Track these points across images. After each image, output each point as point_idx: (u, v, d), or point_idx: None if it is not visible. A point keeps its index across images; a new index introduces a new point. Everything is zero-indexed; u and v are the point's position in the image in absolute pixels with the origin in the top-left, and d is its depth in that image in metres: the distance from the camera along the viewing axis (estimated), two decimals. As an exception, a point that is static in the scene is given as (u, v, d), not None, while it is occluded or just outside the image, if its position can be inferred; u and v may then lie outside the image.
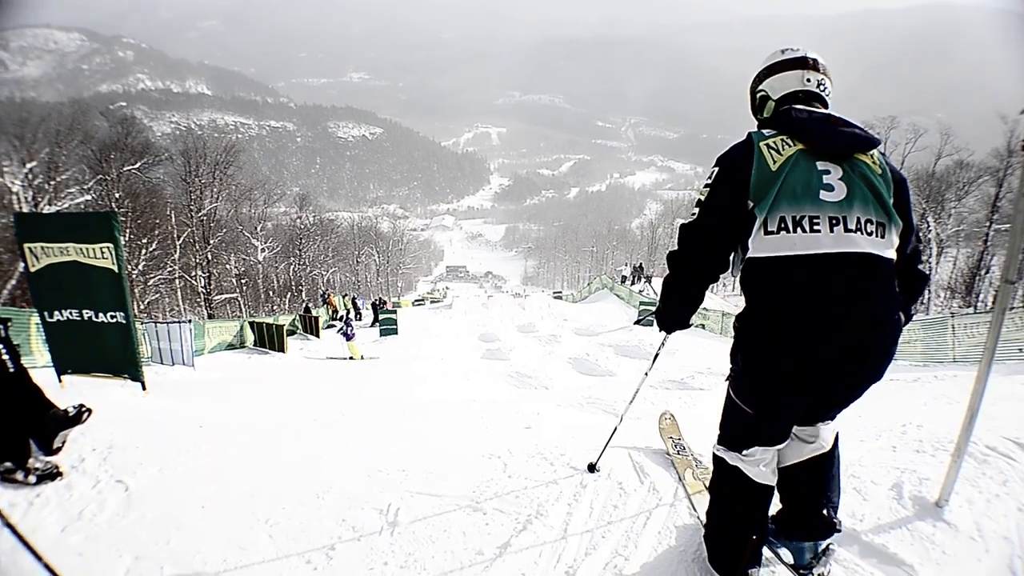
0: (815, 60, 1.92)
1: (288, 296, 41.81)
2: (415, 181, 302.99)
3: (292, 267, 43.72)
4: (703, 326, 20.86)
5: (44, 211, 23.93)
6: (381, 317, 23.35)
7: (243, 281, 37.22)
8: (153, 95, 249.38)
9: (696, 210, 1.87)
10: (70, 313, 5.43)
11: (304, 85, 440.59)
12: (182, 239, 30.91)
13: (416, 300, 54.68)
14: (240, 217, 38.02)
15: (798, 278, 1.66)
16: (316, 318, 23.00)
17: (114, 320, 5.43)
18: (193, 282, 31.89)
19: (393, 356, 16.10)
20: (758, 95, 2.01)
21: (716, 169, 1.84)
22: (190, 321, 12.52)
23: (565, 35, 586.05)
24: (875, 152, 1.80)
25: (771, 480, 1.98)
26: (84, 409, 3.28)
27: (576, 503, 2.72)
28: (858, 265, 1.65)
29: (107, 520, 2.76)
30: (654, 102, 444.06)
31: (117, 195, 27.20)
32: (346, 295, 36.79)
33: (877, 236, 1.69)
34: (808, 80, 1.90)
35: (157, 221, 29.79)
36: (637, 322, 22.21)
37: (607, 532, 2.51)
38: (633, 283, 35.57)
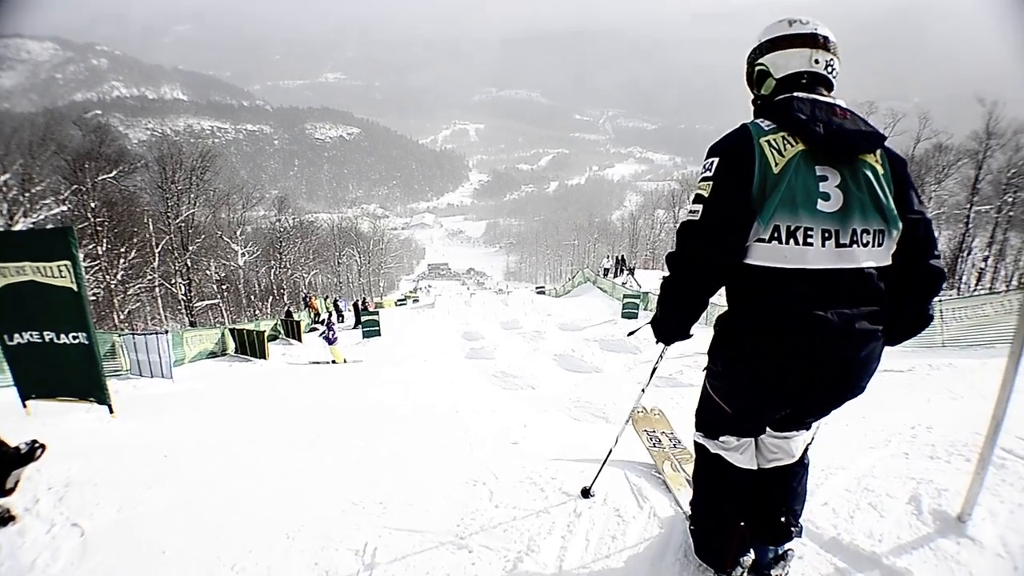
0: (825, 38, 1.69)
1: (270, 300, 41.33)
2: (394, 180, 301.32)
3: (273, 271, 43.21)
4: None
5: (19, 225, 23.39)
6: (363, 319, 23.12)
7: (224, 287, 36.72)
8: (128, 102, 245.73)
9: (698, 207, 1.65)
10: (30, 335, 5.09)
11: (280, 87, 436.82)
12: (160, 247, 30.37)
13: (399, 300, 54.28)
14: (219, 222, 37.51)
15: (787, 292, 1.57)
16: (298, 322, 22.66)
17: (76, 341, 5.11)
18: (173, 290, 31.38)
19: (376, 358, 15.91)
20: (757, 67, 1.78)
21: (716, 160, 1.65)
22: (167, 332, 12.18)
23: (540, 29, 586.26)
24: (878, 151, 1.66)
25: (752, 465, 1.96)
26: (37, 445, 3.04)
27: (570, 535, 2.48)
28: (849, 283, 1.58)
29: (61, 570, 2.52)
30: (630, 94, 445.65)
31: (93, 205, 26.65)
32: (327, 297, 36.47)
33: (875, 245, 1.61)
34: (816, 61, 1.68)
35: (135, 229, 29.28)
36: (622, 315, 22.21)
37: (606, 567, 2.26)
38: (616, 275, 35.57)
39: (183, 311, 31.72)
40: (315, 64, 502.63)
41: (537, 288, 47.15)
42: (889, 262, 1.64)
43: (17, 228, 22.83)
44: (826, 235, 1.56)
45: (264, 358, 16.12)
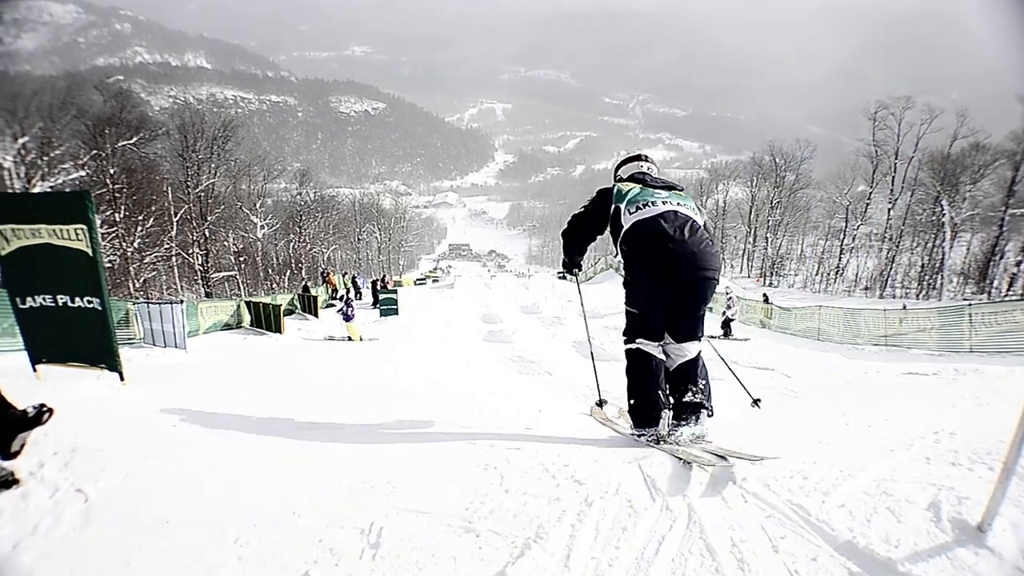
0: (647, 155, 3.70)
1: (287, 274, 41.72)
2: (418, 157, 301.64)
3: (292, 244, 43.59)
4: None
5: (36, 188, 23.70)
6: (382, 297, 23.40)
7: (241, 259, 37.10)
8: (151, 68, 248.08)
9: (587, 206, 3.53)
10: (43, 299, 5.18)
11: (305, 59, 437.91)
12: (179, 216, 30.72)
13: (418, 279, 54.59)
14: (239, 193, 37.83)
15: (652, 226, 3.11)
16: (315, 298, 22.87)
17: (90, 306, 5.19)
18: (190, 260, 31.74)
19: (393, 337, 16.01)
20: (616, 178, 3.65)
21: (596, 193, 3.51)
22: (182, 301, 12.32)
23: (572, 7, 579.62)
24: (683, 192, 3.41)
25: (662, 356, 3.32)
26: (45, 409, 3.04)
27: (580, 524, 2.44)
28: (681, 215, 3.15)
29: (63, 535, 2.53)
30: (662, 78, 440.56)
31: (112, 171, 26.96)
32: (346, 274, 36.67)
33: (694, 211, 3.26)
34: (642, 168, 3.67)
35: (154, 197, 29.60)
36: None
37: (615, 559, 2.23)
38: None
39: (199, 282, 32.13)
40: (342, 36, 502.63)
41: (559, 273, 46.95)
42: (701, 221, 3.28)
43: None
44: (663, 202, 3.21)
45: (280, 332, 16.30)
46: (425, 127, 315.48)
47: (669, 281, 3.10)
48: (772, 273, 46.40)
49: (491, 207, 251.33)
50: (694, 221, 3.20)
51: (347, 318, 16.04)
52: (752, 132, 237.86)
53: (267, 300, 19.11)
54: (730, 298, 18.60)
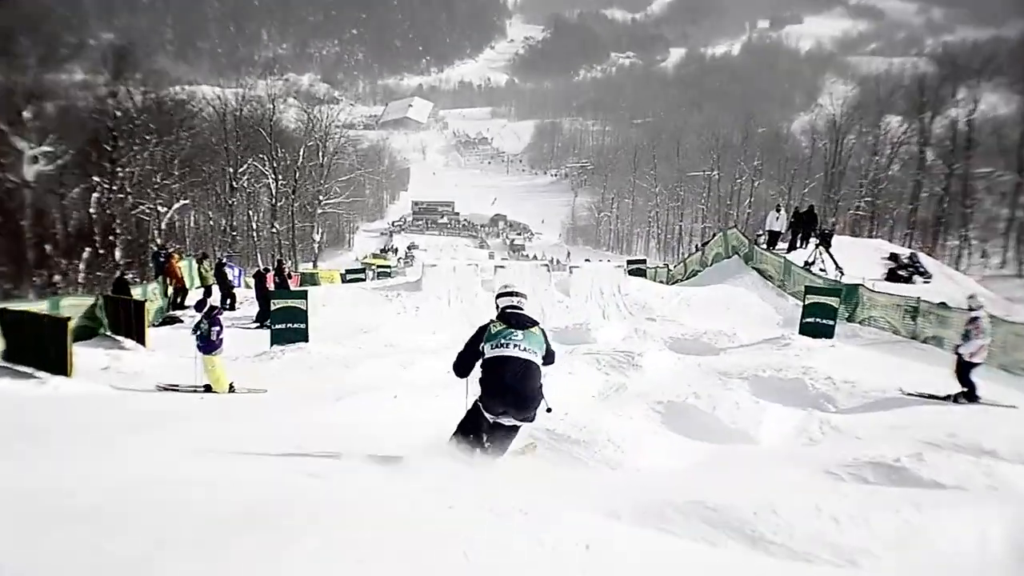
0: (521, 293, 9.81)
1: (85, 254, 41.23)
2: (353, 29, 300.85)
3: (98, 196, 43.08)
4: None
5: None
6: (276, 304, 23.04)
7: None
8: None
9: (467, 344, 9.34)
10: None
11: None
12: None
13: (351, 270, 54.13)
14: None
15: (497, 365, 8.81)
16: (141, 303, 22.30)
17: None
18: None
19: (295, 389, 16.27)
20: (496, 303, 9.91)
21: (477, 330, 9.37)
22: None
23: None
24: (535, 328, 9.27)
25: (491, 419, 9.11)
26: None
27: None
28: (523, 362, 8.87)
29: None
30: None
31: None
32: (204, 256, 35.91)
33: (532, 353, 8.97)
34: (512, 302, 9.65)
35: None
36: (802, 329, 21.78)
37: None
38: (794, 246, 34.85)
39: None
40: None
41: (631, 263, 45.93)
42: (540, 362, 9.11)
43: None
44: (515, 346, 8.95)
45: (65, 373, 15.86)
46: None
47: (494, 406, 8.56)
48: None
49: (496, 128, 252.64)
50: (530, 366, 8.60)
51: (207, 346, 16.01)
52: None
53: (38, 307, 18.55)
54: (976, 320, 16.93)
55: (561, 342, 21.80)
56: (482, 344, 9.19)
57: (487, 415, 8.91)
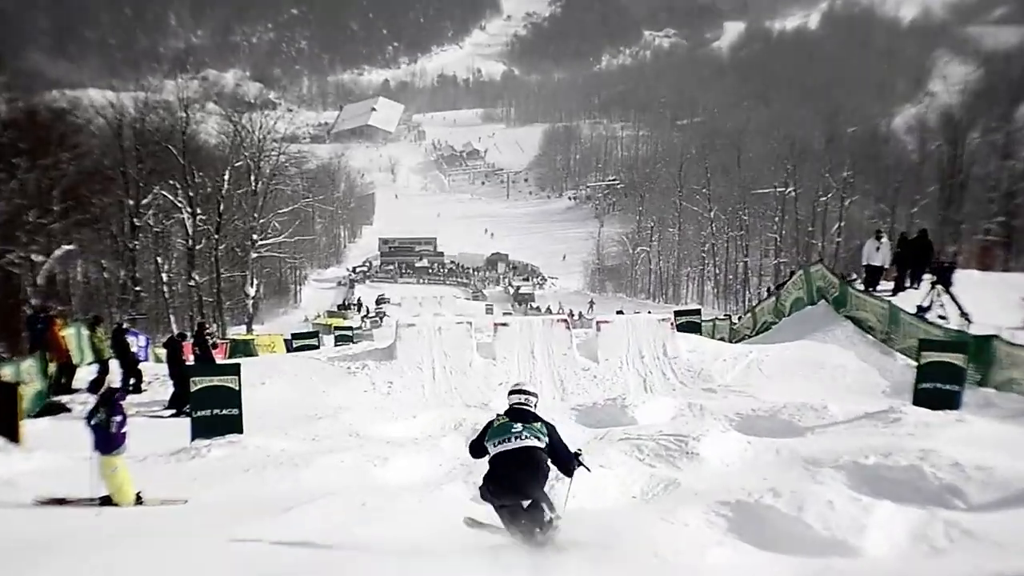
0: (530, 391, 13.67)
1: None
2: (293, 8, 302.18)
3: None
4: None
5: None
6: (198, 383, 22.99)
7: None
8: None
9: (476, 438, 13.56)
10: None
11: None
12: None
13: (299, 335, 54.05)
14: None
15: (500, 460, 12.58)
16: (12, 386, 22.32)
17: None
18: None
19: (226, 499, 16.20)
20: (508, 401, 13.82)
21: (484, 425, 13.59)
22: None
23: None
24: (537, 423, 12.87)
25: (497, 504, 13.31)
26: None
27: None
28: (520, 450, 12.55)
29: None
30: None
31: None
32: (96, 320, 35.94)
33: (533, 439, 12.58)
34: (520, 400, 13.42)
35: None
36: (917, 398, 21.73)
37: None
38: (902, 287, 34.91)
39: None
40: None
41: (680, 315, 45.51)
42: (544, 447, 12.72)
43: None
44: (515, 439, 12.66)
45: None
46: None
47: (489, 497, 12.23)
48: None
49: (491, 138, 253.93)
50: (529, 450, 11.96)
51: (105, 442, 15.75)
52: None
53: None
54: None
55: (589, 424, 21.95)
56: (486, 440, 12.76)
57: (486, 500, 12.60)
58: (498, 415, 13.45)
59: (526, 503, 12.45)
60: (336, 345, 44.48)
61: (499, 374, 29.35)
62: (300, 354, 41.99)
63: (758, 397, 24.85)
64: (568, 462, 13.24)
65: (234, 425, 22.54)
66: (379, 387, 29.40)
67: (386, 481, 17.35)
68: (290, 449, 20.83)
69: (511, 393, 13.64)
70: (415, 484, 16.25)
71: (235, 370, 24.00)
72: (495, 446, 12.65)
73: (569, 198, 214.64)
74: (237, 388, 23.08)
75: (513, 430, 12.62)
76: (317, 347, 45.22)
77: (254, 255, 77.29)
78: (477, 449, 13.47)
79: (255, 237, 76.68)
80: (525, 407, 13.30)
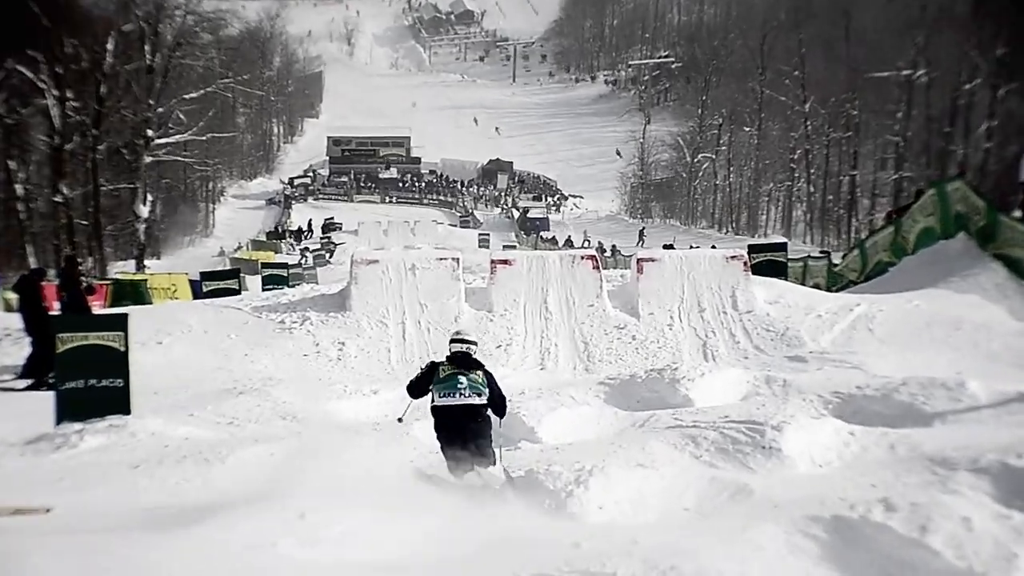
0: (467, 339, 21.05)
1: None
2: None
3: None
4: None
5: None
6: (66, 342, 22.96)
7: None
8: None
9: (419, 375, 21.02)
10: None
11: None
12: None
13: (212, 274, 54.06)
14: None
15: (445, 413, 19.79)
16: None
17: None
18: None
19: (106, 507, 16.00)
20: (449, 346, 21.46)
21: (427, 365, 21.30)
22: None
23: None
24: (480, 372, 20.04)
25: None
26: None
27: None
28: (465, 407, 19.95)
29: None
30: None
31: None
32: None
33: (475, 396, 19.88)
34: (460, 347, 20.58)
35: None
36: None
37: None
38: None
39: None
40: None
41: (756, 251, 45.42)
42: (484, 402, 19.95)
43: None
44: (459, 393, 19.95)
45: None
46: None
47: (450, 446, 18.58)
48: None
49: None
50: (474, 407, 18.48)
51: None
52: None
53: None
54: None
55: (624, 405, 22.09)
56: (431, 387, 18.28)
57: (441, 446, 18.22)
58: (442, 363, 19.05)
59: (472, 451, 17.81)
60: (265, 290, 44.72)
61: (498, 333, 29.66)
62: (214, 302, 41.29)
63: (867, 369, 24.29)
64: (503, 407, 19.73)
65: (118, 402, 22.13)
66: (326, 350, 29.32)
67: (335, 482, 16.38)
68: (198, 437, 20.54)
69: (452, 341, 19.53)
70: (371, 488, 16.23)
71: (120, 323, 23.52)
72: (440, 397, 18.10)
73: (605, 82, 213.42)
74: (123, 349, 22.69)
75: (459, 385, 18.04)
76: (238, 292, 45.24)
77: (148, 159, 77.04)
78: (417, 389, 18.85)
79: (150, 133, 76.41)
80: (468, 354, 19.00)
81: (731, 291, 31.85)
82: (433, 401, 18.96)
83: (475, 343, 20.53)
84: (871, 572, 12.21)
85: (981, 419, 19.16)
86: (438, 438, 19.33)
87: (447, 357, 20.15)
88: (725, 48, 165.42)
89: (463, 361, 19.41)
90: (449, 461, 19.14)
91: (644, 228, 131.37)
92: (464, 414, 18.66)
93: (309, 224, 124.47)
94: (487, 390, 19.07)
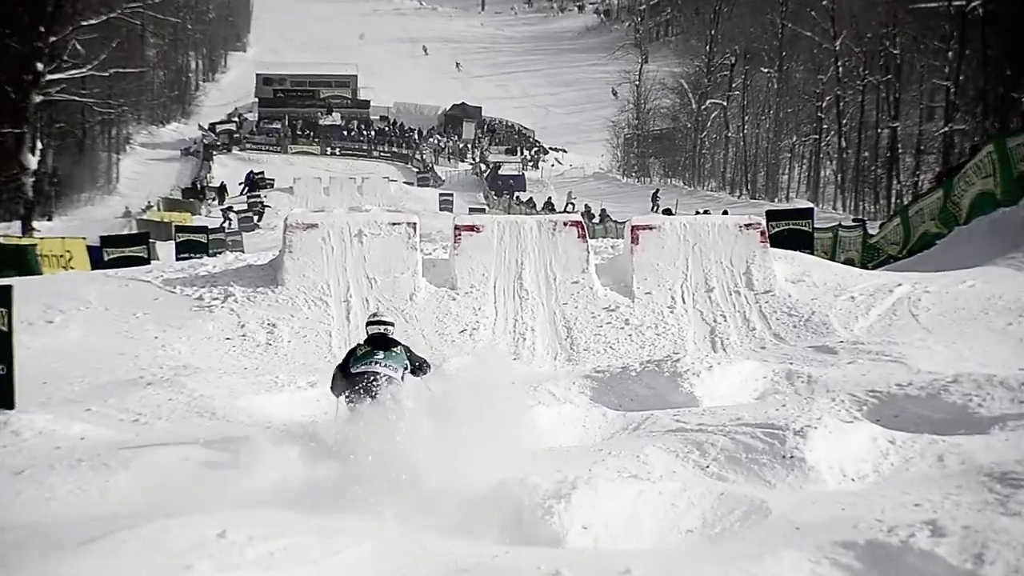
0: (384, 320, 26.39)
1: None
2: None
3: None
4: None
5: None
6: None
7: None
8: None
9: (343, 361, 25.48)
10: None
11: None
12: None
13: (114, 240, 54.02)
14: None
15: (358, 377, 24.60)
16: None
17: None
18: None
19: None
20: (366, 328, 26.21)
21: (348, 351, 26.32)
22: None
23: None
24: (399, 347, 25.57)
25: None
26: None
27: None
28: (380, 377, 24.19)
29: None
30: None
31: None
32: None
33: (392, 370, 24.79)
34: (377, 328, 25.78)
35: None
36: None
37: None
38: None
39: None
40: None
41: (775, 217, 45.50)
42: (401, 375, 25.05)
43: None
44: (376, 363, 23.77)
45: None
46: None
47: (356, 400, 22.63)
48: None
49: None
50: (391, 378, 22.02)
51: None
52: None
53: None
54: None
55: (615, 404, 22.27)
56: (351, 366, 20.76)
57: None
58: (359, 344, 22.08)
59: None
60: (180, 259, 44.82)
61: (462, 315, 29.77)
62: (117, 272, 41.18)
63: (909, 363, 23.87)
64: (426, 368, 22.89)
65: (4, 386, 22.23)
66: (253, 333, 29.39)
67: (262, 491, 16.65)
68: (96, 437, 20.40)
69: (369, 324, 22.34)
70: (292, 503, 16.17)
71: (1, 298, 23.92)
72: (354, 368, 21.03)
73: (595, 11, 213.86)
74: (4, 330, 22.70)
75: (376, 357, 20.97)
76: (147, 262, 45.20)
77: (38, 99, 77.10)
78: (340, 384, 21.18)
79: (40, 67, 76.49)
80: (385, 335, 22.07)
81: (745, 267, 31.93)
82: (350, 368, 21.90)
83: (392, 324, 23.85)
84: (925, 617, 12.18)
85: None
86: (347, 401, 21.72)
87: (364, 340, 22.94)
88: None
89: (380, 342, 22.46)
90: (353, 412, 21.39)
91: (658, 190, 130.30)
92: (378, 378, 21.21)
93: (221, 184, 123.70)
94: (406, 360, 22.57)
